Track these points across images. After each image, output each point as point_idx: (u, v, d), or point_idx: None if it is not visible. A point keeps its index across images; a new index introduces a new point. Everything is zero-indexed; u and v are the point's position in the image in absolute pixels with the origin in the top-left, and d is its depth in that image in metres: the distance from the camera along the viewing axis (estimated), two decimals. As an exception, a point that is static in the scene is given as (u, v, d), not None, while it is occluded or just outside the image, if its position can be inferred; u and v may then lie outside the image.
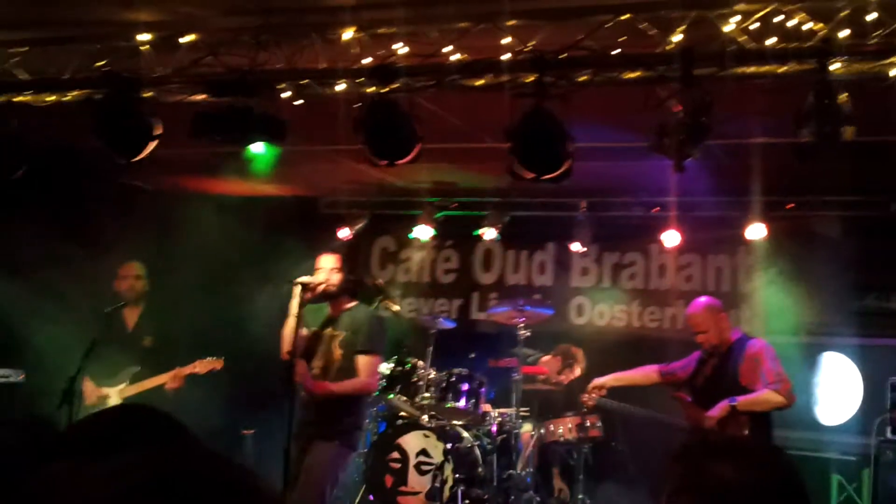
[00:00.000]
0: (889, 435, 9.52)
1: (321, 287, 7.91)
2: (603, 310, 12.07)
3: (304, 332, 8.00)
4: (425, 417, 9.93)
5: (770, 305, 10.65)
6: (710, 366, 8.42)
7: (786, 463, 2.37)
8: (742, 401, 7.94)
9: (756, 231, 10.51)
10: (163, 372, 8.75)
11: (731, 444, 2.49)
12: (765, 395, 7.96)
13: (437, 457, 9.67)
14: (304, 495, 7.67)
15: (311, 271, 8.12)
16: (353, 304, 8.17)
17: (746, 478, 2.26)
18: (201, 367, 8.73)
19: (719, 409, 7.94)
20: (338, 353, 7.91)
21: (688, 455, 2.42)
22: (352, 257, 8.64)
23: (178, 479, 1.32)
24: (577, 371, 10.81)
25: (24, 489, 1.49)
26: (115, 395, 8.72)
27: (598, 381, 9.23)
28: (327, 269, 8.01)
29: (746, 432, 7.79)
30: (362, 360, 7.91)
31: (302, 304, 7.85)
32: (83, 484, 1.35)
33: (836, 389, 10.34)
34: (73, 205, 10.00)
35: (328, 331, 8.00)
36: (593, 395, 9.15)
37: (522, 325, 10.13)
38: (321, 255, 8.16)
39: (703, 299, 8.68)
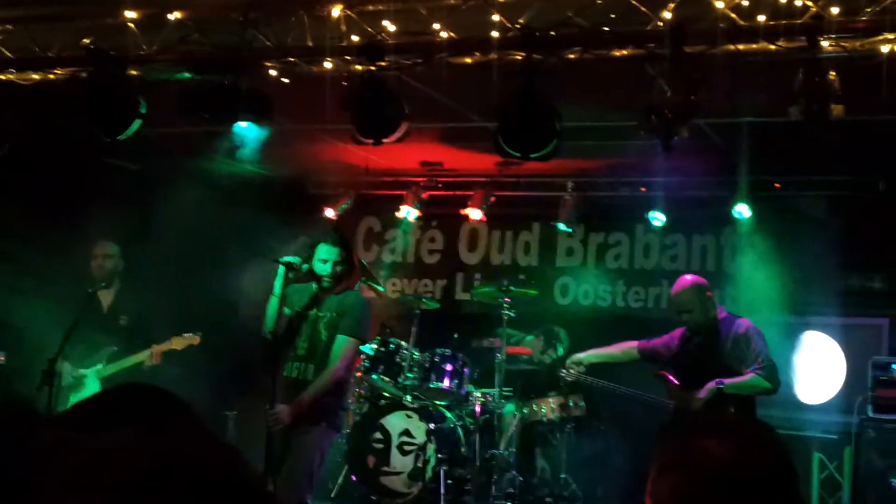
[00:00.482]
0: (870, 413, 9.57)
1: (323, 281, 7.80)
2: (587, 290, 12.08)
3: (287, 312, 7.91)
4: (408, 398, 9.92)
5: (755, 285, 10.67)
6: (694, 344, 8.29)
7: (775, 440, 2.35)
8: (729, 383, 7.88)
9: (742, 211, 10.53)
10: (140, 351, 8.68)
11: (719, 422, 2.48)
12: (752, 380, 7.92)
13: (420, 437, 9.67)
14: (291, 479, 7.60)
15: (297, 251, 8.01)
16: (341, 286, 8.07)
17: (735, 454, 2.23)
18: (178, 343, 8.66)
19: (706, 391, 7.90)
20: (324, 334, 7.84)
21: (676, 432, 2.41)
22: (350, 250, 8.52)
23: (174, 462, 1.31)
24: (561, 351, 10.82)
25: (24, 457, 1.47)
26: (92, 376, 8.66)
27: (576, 356, 9.13)
28: (332, 262, 7.84)
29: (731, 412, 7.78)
30: (340, 342, 7.74)
31: (286, 285, 7.76)
32: (86, 455, 1.33)
33: (819, 368, 10.39)
34: (53, 184, 9.92)
35: (314, 311, 7.91)
36: (571, 370, 9.04)
37: (507, 305, 10.12)
38: (321, 244, 7.95)
39: (688, 277, 8.54)
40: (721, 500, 2.20)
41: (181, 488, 1.29)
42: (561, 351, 10.86)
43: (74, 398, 8.49)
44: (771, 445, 2.32)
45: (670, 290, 8.76)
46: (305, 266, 7.71)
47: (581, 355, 9.07)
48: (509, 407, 10.29)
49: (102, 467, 1.29)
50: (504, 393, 10.12)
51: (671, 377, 8.33)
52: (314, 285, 7.85)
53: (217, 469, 1.35)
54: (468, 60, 7.07)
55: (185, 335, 8.68)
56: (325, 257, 7.81)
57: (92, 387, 8.61)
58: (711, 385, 7.89)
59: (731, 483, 2.20)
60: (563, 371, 9.14)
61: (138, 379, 8.28)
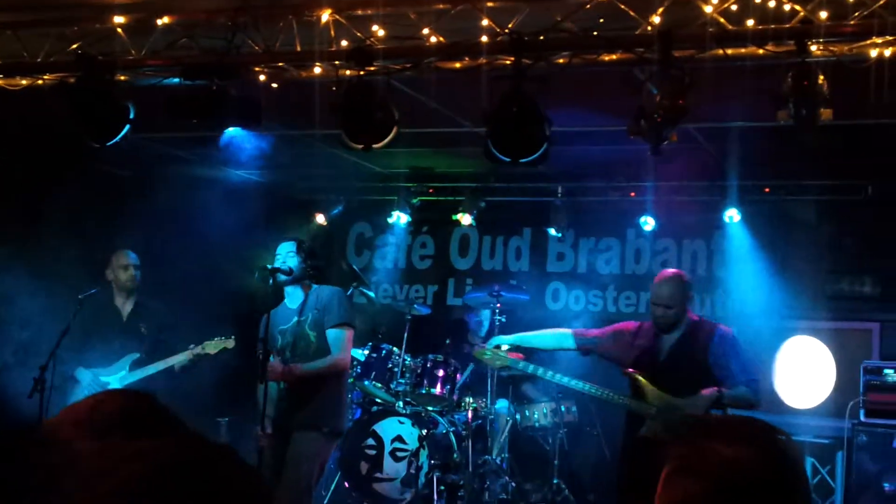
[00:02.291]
0: (862, 418, 9.56)
1: (278, 272, 7.84)
2: (579, 295, 12.08)
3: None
4: (400, 404, 9.91)
5: (745, 289, 10.68)
6: (671, 345, 7.77)
7: (788, 446, 2.33)
8: (728, 394, 7.46)
9: (732, 215, 10.53)
10: (164, 357, 8.65)
11: (732, 427, 2.42)
12: (745, 393, 7.61)
13: (413, 443, 9.65)
14: (290, 489, 7.58)
15: (276, 261, 8.06)
16: (314, 287, 8.08)
17: (751, 460, 2.22)
18: (211, 347, 8.62)
19: (706, 397, 7.44)
20: (311, 335, 7.85)
21: (689, 436, 2.37)
22: (317, 245, 8.55)
23: (195, 465, 1.33)
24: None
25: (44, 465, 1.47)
26: (115, 383, 8.63)
27: (498, 338, 8.42)
28: (283, 254, 7.95)
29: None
30: (333, 334, 7.81)
31: (273, 291, 7.81)
32: (109, 462, 1.34)
33: (810, 373, 10.38)
34: (49, 190, 9.90)
35: (295, 315, 7.94)
36: (497, 355, 8.18)
37: (498, 310, 10.11)
38: (281, 243, 8.08)
39: (674, 271, 8.20)
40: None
41: (187, 490, 1.29)
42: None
43: None
44: (785, 451, 2.30)
45: (654, 279, 8.07)
46: (275, 267, 7.80)
47: (504, 337, 8.34)
48: (502, 403, 10.25)
49: (112, 474, 1.30)
50: (496, 399, 10.11)
51: (641, 377, 7.69)
52: (287, 302, 7.95)
53: (217, 469, 1.36)
54: (457, 65, 7.07)
55: (218, 339, 8.63)
56: (280, 252, 7.96)
57: None
58: (712, 392, 7.45)
59: (745, 490, 2.20)
60: (487, 355, 8.26)
61: (164, 384, 8.45)
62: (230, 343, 8.58)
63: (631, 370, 7.73)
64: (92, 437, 1.48)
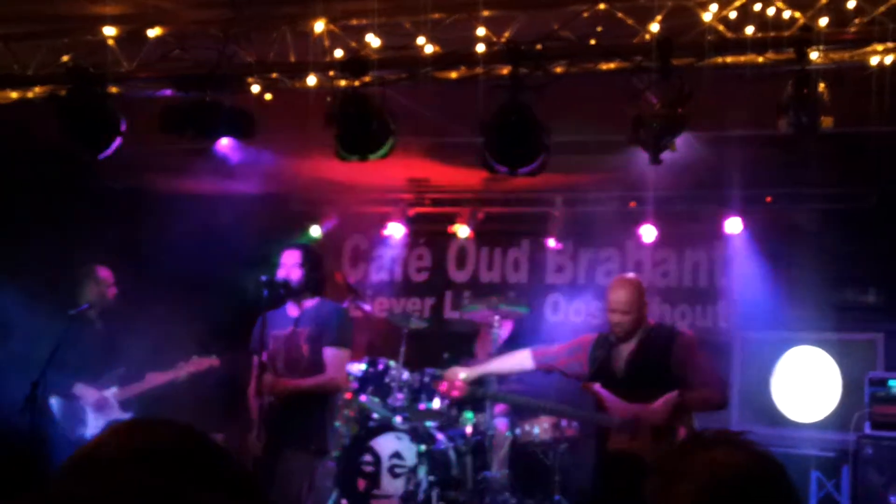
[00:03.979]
0: (868, 430, 9.45)
1: (283, 283, 7.74)
2: (579, 307, 11.97)
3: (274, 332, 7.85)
4: (398, 419, 9.79)
5: (747, 300, 10.58)
6: (626, 352, 7.53)
7: (770, 456, 2.41)
8: (689, 396, 7.25)
9: (734, 225, 10.44)
10: (150, 370, 8.58)
11: (723, 436, 2.49)
12: (709, 396, 7.46)
13: (411, 459, 9.52)
14: None
15: (279, 271, 7.97)
16: (317, 299, 7.98)
17: (744, 463, 2.30)
18: (196, 365, 8.56)
19: (666, 402, 7.22)
20: (305, 348, 7.74)
21: (682, 446, 2.52)
22: (322, 256, 8.46)
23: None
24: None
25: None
26: (109, 399, 8.56)
27: (456, 370, 8.23)
28: (288, 264, 7.84)
29: (682, 428, 7.35)
30: (330, 354, 7.71)
31: (268, 303, 7.70)
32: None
33: (814, 385, 10.27)
34: (38, 205, 9.83)
35: (292, 325, 7.83)
36: (455, 386, 8.12)
37: (497, 323, 10.01)
38: (285, 251, 7.97)
39: (631, 275, 8.05)
40: None
41: None
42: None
43: (95, 420, 8.53)
44: (772, 457, 2.38)
45: (609, 286, 7.83)
46: (272, 279, 7.68)
47: (466, 371, 8.19)
48: (501, 418, 10.13)
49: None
50: (495, 413, 10.01)
51: (601, 389, 7.45)
52: (287, 309, 7.82)
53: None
54: (453, 75, 7.02)
55: (203, 357, 8.57)
56: (283, 261, 7.79)
57: (114, 410, 8.58)
58: (672, 396, 7.22)
59: (740, 491, 2.26)
60: (445, 385, 8.21)
61: (157, 399, 8.48)
62: (215, 361, 8.52)
63: (589, 384, 7.54)
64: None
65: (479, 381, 8.28)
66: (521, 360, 8.06)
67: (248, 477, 1.39)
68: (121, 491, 1.28)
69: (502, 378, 8.69)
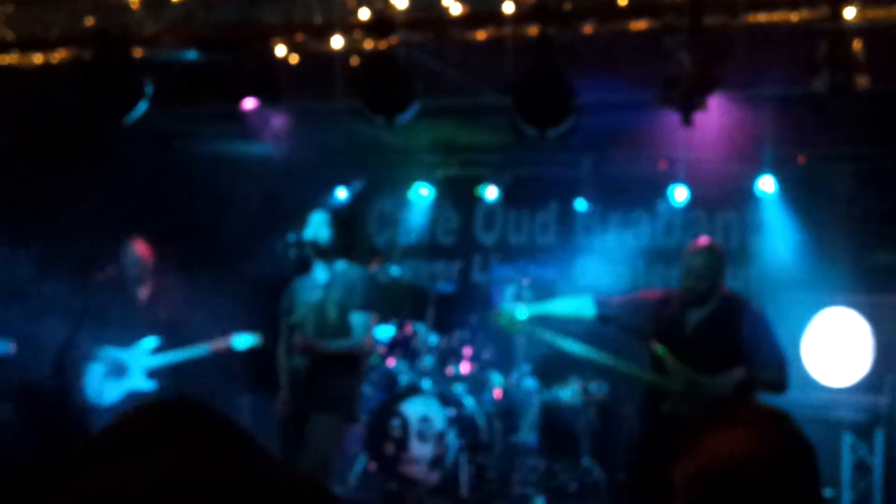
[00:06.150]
0: (902, 393, 9.37)
1: (311, 243, 7.67)
2: (608, 269, 11.86)
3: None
4: (426, 383, 9.76)
5: (780, 262, 10.47)
6: (696, 318, 7.32)
7: (793, 431, 2.32)
8: (754, 376, 7.07)
9: (766, 185, 10.31)
10: (185, 343, 8.57)
11: (736, 413, 2.42)
12: (773, 379, 7.29)
13: (440, 423, 9.51)
14: (312, 472, 7.47)
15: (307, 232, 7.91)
16: (345, 263, 7.92)
17: (747, 449, 2.23)
18: (239, 342, 8.55)
19: (734, 378, 7.04)
20: (333, 313, 7.69)
21: (693, 425, 2.40)
22: (351, 218, 8.39)
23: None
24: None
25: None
26: (136, 367, 8.56)
27: (515, 305, 7.97)
28: (316, 224, 7.76)
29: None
30: (358, 319, 7.64)
31: (296, 263, 7.64)
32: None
33: (848, 347, 10.15)
34: (67, 171, 9.81)
35: (321, 291, 7.77)
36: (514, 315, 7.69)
37: (526, 286, 9.94)
38: (313, 214, 7.88)
39: (708, 240, 7.73)
40: (731, 494, 2.20)
41: None
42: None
43: (115, 386, 8.55)
44: (790, 438, 2.29)
45: (688, 247, 7.61)
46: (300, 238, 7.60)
47: (521, 308, 7.82)
48: (530, 381, 10.06)
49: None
50: (525, 377, 9.97)
51: (666, 351, 7.23)
52: (315, 275, 7.73)
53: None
54: (481, 35, 6.93)
55: (243, 335, 8.56)
56: (311, 223, 7.69)
57: (136, 377, 8.56)
58: (741, 372, 7.06)
59: (741, 478, 2.20)
60: (503, 319, 7.77)
61: (186, 370, 8.48)
62: (256, 340, 8.51)
63: (656, 343, 7.31)
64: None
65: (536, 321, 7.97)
66: (582, 304, 7.68)
67: (276, 465, 1.32)
68: (152, 476, 1.22)
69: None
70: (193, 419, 1.48)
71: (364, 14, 6.93)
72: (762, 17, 6.33)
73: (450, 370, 9.84)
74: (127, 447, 1.38)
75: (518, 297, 9.86)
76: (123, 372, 8.57)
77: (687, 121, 6.51)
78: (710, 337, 7.25)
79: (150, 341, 8.58)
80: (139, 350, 8.57)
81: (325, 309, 7.65)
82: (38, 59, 7.91)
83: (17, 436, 8.66)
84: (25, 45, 7.85)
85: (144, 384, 8.48)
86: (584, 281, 11.73)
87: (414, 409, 9.66)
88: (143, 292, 8.81)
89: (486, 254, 12.47)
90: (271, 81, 7.47)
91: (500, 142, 10.76)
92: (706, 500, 2.21)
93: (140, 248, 8.79)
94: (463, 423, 9.57)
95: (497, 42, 6.85)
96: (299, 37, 7.31)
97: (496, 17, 6.71)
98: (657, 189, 11.06)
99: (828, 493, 9.18)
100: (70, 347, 7.98)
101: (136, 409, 1.53)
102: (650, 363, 7.36)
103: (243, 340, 8.53)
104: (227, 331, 8.57)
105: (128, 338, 8.57)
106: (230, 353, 8.61)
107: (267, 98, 7.53)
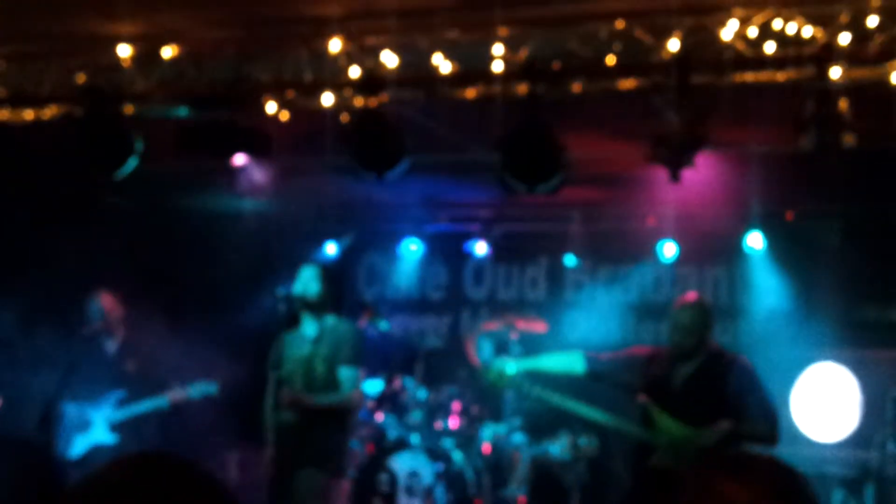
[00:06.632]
0: (892, 449, 9.35)
1: (300, 297, 7.69)
2: (597, 324, 11.86)
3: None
4: (415, 438, 9.74)
5: (769, 317, 10.50)
6: (684, 373, 7.39)
7: (799, 482, 2.30)
8: (741, 428, 7.14)
9: (754, 241, 10.36)
10: (150, 395, 8.54)
11: (742, 462, 2.39)
12: (763, 430, 7.34)
13: (428, 479, 9.49)
14: None
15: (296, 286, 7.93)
16: (333, 317, 7.93)
17: (757, 498, 2.20)
18: (194, 391, 8.53)
19: (718, 431, 7.10)
20: (321, 368, 7.69)
21: (700, 471, 2.36)
22: (340, 273, 8.43)
23: None
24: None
25: None
26: (99, 420, 8.53)
27: (504, 360, 8.00)
28: (306, 279, 7.79)
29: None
30: (346, 373, 7.66)
31: (285, 317, 7.66)
32: None
33: (837, 403, 10.16)
34: (43, 223, 9.82)
35: (309, 346, 7.78)
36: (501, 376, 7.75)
37: (515, 340, 9.94)
38: (303, 268, 7.91)
39: (695, 296, 7.92)
40: None
41: None
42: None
43: (81, 440, 8.53)
44: (795, 488, 2.27)
45: (675, 302, 7.74)
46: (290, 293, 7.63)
47: (510, 362, 7.89)
48: (519, 436, 10.03)
49: None
50: (513, 431, 9.94)
51: (654, 406, 7.32)
52: (304, 329, 7.75)
53: None
54: (470, 93, 6.98)
55: (200, 384, 8.54)
56: (302, 276, 7.73)
57: (99, 430, 8.53)
58: (727, 425, 7.12)
59: None
60: (491, 375, 7.83)
61: (151, 423, 8.50)
62: (212, 389, 8.49)
63: (644, 397, 7.40)
64: None
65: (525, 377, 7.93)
66: (571, 360, 7.73)
67: None
68: None
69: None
70: (169, 473, 1.50)
71: (354, 72, 6.98)
72: (749, 77, 6.38)
73: (438, 425, 9.81)
74: (105, 501, 1.39)
75: (506, 352, 9.86)
76: (87, 426, 8.56)
77: (675, 177, 6.55)
78: (697, 391, 7.30)
79: (116, 394, 8.58)
80: (104, 403, 8.56)
81: (313, 363, 7.66)
82: (28, 115, 7.94)
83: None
84: (16, 101, 7.88)
85: (107, 438, 8.47)
86: (573, 336, 11.74)
87: (402, 463, 9.63)
88: (111, 345, 8.80)
89: (475, 309, 12.47)
90: (262, 138, 7.52)
91: (489, 198, 10.80)
92: None
93: (105, 301, 8.78)
94: (451, 478, 9.54)
95: (486, 100, 6.89)
96: (290, 94, 7.35)
97: (485, 75, 6.75)
98: (646, 245, 11.09)
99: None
100: (57, 401, 7.97)
101: (115, 464, 1.54)
102: (639, 417, 7.40)
103: (200, 390, 8.51)
104: (184, 383, 8.56)
105: (95, 391, 8.56)
106: (188, 403, 8.59)
107: (258, 154, 7.56)
